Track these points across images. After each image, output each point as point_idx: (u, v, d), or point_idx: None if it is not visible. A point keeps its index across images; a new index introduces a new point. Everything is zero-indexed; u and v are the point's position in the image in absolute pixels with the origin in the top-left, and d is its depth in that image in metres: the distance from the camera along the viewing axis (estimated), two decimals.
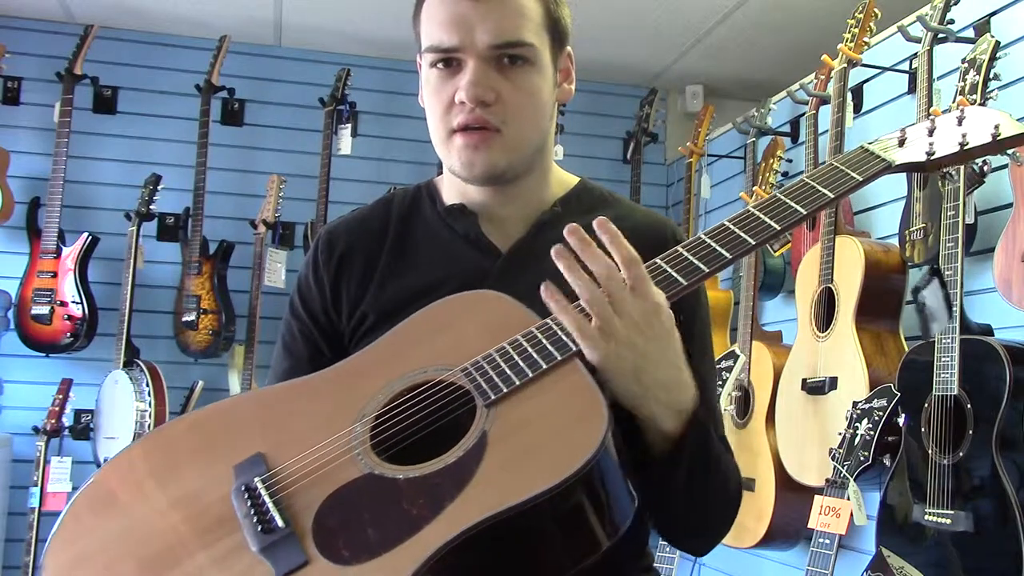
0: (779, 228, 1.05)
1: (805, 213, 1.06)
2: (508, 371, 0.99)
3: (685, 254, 1.04)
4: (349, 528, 0.92)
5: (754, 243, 1.04)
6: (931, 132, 1.12)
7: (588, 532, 0.94)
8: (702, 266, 1.03)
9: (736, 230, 1.05)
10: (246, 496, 0.96)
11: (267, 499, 0.95)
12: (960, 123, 1.11)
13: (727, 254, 1.03)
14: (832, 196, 1.07)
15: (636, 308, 0.98)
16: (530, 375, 0.98)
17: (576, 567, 0.94)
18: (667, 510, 1.11)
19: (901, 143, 1.12)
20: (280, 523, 0.93)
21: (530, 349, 1.00)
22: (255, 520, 0.93)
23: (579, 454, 0.89)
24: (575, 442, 0.91)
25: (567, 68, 1.24)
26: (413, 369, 1.04)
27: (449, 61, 1.14)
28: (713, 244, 1.04)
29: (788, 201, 1.07)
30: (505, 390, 0.98)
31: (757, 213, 1.06)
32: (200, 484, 0.99)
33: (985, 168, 2.00)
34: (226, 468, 1.00)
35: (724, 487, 1.14)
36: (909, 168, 1.12)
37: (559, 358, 0.98)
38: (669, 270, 1.03)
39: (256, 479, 0.97)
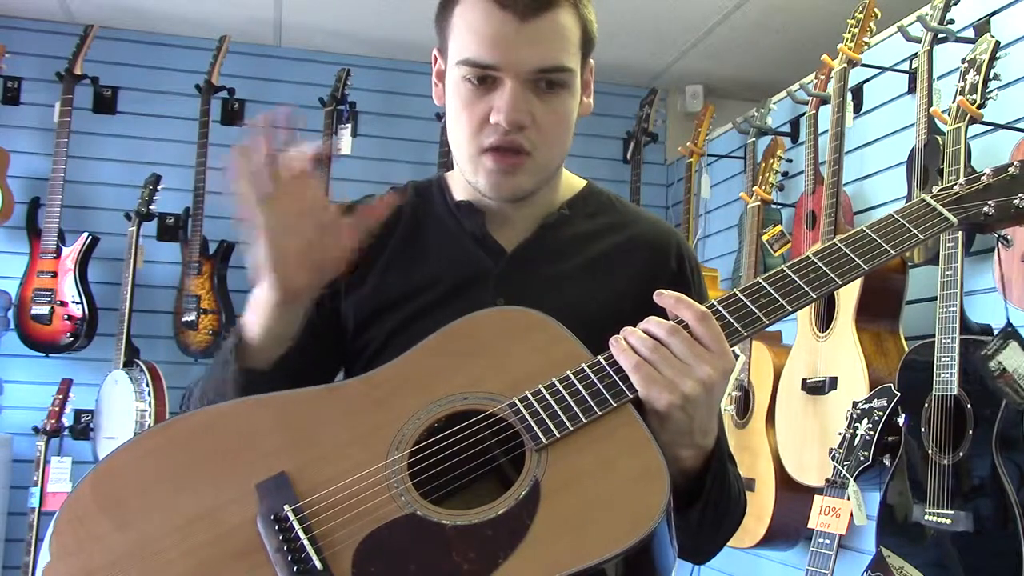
0: (840, 282, 1.07)
1: (867, 269, 1.07)
2: (560, 413, 0.95)
3: (744, 300, 1.03)
4: None
5: (814, 295, 1.05)
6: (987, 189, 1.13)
7: None
8: (763, 317, 1.02)
9: (796, 278, 1.05)
10: (276, 527, 0.89)
11: (300, 533, 0.88)
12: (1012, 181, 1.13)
13: (788, 307, 1.03)
14: (893, 254, 1.09)
15: (716, 365, 0.97)
16: (584, 421, 0.95)
17: None
18: (680, 538, 1.11)
19: (959, 199, 1.14)
20: (317, 564, 0.87)
21: (583, 390, 0.97)
22: (289, 557, 0.87)
23: (642, 521, 0.87)
24: (637, 506, 0.88)
25: (588, 80, 1.21)
26: (452, 392, 1.00)
27: (484, 78, 1.10)
28: (773, 293, 1.04)
29: (850, 253, 1.09)
30: (557, 435, 0.94)
31: (817, 262, 1.06)
32: (219, 500, 0.92)
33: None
34: (247, 485, 0.93)
35: (735, 510, 1.14)
36: (968, 228, 1.15)
37: (614, 405, 0.96)
38: (732, 321, 1.02)
39: (286, 507, 0.90)
